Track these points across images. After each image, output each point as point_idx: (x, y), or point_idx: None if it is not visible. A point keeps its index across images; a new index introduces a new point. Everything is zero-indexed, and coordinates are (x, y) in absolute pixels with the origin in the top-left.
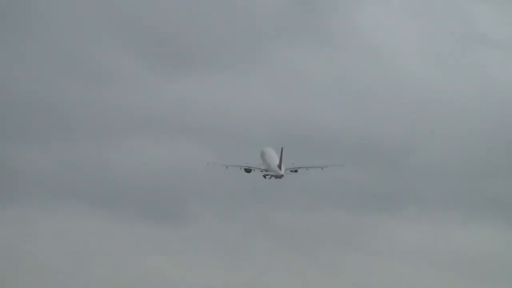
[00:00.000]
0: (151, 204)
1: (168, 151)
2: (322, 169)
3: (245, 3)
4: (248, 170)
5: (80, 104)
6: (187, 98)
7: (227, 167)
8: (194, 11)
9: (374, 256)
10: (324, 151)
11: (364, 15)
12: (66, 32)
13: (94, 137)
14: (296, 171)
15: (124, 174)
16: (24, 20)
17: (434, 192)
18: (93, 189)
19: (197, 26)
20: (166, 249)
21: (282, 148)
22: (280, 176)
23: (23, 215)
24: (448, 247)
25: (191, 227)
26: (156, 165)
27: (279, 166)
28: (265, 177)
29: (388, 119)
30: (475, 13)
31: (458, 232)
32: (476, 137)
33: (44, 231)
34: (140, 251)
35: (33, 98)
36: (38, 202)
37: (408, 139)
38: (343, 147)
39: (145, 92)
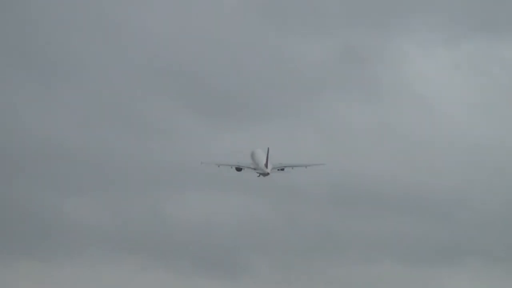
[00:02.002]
0: (206, 257)
1: (221, 204)
2: (306, 167)
3: (293, 55)
4: (239, 169)
5: (133, 157)
6: (237, 149)
7: (219, 166)
8: (243, 63)
9: None
10: (375, 201)
11: (411, 66)
12: (116, 85)
13: (147, 190)
14: (282, 169)
15: (177, 226)
16: (74, 72)
17: (489, 244)
18: (145, 242)
19: (247, 79)
20: None
21: (268, 149)
22: (267, 174)
23: (78, 268)
24: None
25: (249, 280)
26: (209, 217)
27: (266, 165)
28: (256, 173)
29: (439, 170)
30: None
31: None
32: None
33: (99, 284)
34: None
35: (86, 152)
36: (92, 255)
37: (459, 189)
38: (394, 198)
39: (195, 143)
